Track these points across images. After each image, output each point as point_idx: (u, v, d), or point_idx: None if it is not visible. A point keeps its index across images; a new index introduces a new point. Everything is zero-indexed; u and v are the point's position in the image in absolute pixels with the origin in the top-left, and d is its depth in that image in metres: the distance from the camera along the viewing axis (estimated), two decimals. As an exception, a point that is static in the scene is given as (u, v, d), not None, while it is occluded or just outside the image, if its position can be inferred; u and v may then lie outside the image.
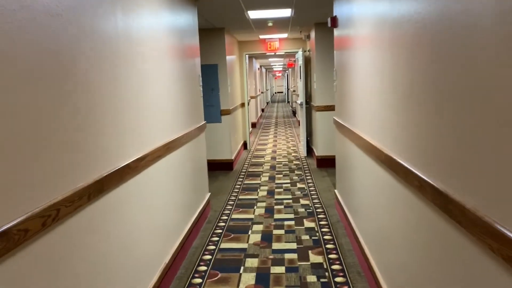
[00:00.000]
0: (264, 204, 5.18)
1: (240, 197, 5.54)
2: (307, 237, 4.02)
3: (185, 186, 3.82)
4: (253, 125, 13.98)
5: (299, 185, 6.05)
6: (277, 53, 11.95)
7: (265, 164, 7.69)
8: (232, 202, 5.30)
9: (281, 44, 9.27)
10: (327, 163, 7.07)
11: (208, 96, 7.07)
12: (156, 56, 3.05)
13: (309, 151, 8.42)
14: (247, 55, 9.58)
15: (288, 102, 29.29)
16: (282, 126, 14.34)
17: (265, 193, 5.70)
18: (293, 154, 8.58)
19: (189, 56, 4.20)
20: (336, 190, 4.91)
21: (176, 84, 3.60)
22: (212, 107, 7.11)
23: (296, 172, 6.91)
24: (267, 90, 29.06)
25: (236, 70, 8.68)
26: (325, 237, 4.00)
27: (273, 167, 7.36)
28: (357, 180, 3.58)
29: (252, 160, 8.08)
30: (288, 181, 6.31)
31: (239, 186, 6.09)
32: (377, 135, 2.73)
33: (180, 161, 3.65)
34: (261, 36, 8.75)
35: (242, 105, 9.40)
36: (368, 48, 2.90)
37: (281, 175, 6.70)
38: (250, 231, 4.25)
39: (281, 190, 5.81)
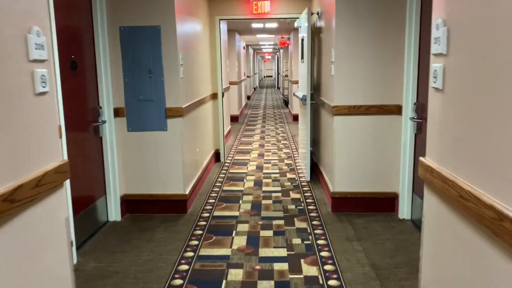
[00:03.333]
0: None
1: (181, 311, 2.51)
2: None
3: None
4: (235, 119, 10.92)
5: (305, 266, 3.04)
6: (267, 22, 8.89)
7: (244, 198, 4.65)
8: None
9: (273, 4, 6.16)
10: (351, 206, 4.08)
11: (141, 83, 3.98)
12: None
13: (313, 167, 5.42)
14: (222, 22, 6.46)
15: (278, 88, 26.21)
16: (272, 121, 11.28)
17: (236, 296, 2.68)
18: (289, 175, 5.55)
19: None
20: None
21: None
22: (150, 104, 4.02)
23: (297, 222, 3.89)
24: (254, 74, 25.89)
25: (202, 43, 5.57)
26: None
27: (256, 207, 4.33)
28: None
29: (224, 189, 5.03)
30: (284, 253, 3.28)
31: (186, 268, 3.05)
32: None
33: None
34: (243, -9, 5.66)
35: (214, 96, 6.31)
36: None
37: (270, 232, 3.68)
38: None
39: (271, 286, 2.79)
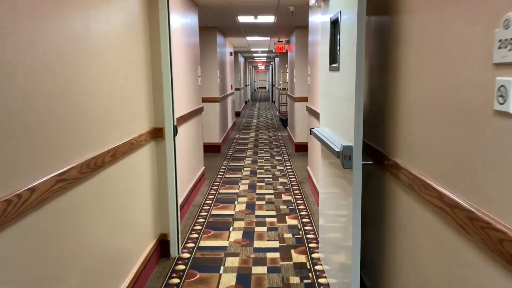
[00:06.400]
0: None
1: None
2: None
3: None
4: (215, 149, 7.95)
5: None
6: (259, 13, 5.99)
7: None
8: None
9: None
10: None
11: None
12: None
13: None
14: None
15: (272, 101, 23.34)
16: (267, 151, 8.27)
17: None
18: (306, 316, 2.56)
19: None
20: None
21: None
22: None
23: None
24: (246, 85, 22.98)
25: (117, 30, 2.57)
26: None
27: None
28: None
29: None
30: None
31: None
32: None
33: None
34: None
35: (157, 133, 3.29)
36: None
37: None
38: None
39: None
